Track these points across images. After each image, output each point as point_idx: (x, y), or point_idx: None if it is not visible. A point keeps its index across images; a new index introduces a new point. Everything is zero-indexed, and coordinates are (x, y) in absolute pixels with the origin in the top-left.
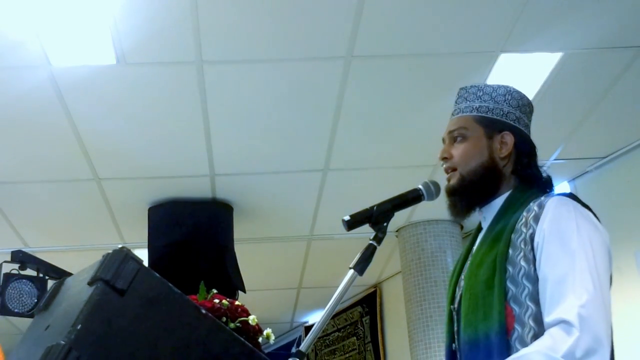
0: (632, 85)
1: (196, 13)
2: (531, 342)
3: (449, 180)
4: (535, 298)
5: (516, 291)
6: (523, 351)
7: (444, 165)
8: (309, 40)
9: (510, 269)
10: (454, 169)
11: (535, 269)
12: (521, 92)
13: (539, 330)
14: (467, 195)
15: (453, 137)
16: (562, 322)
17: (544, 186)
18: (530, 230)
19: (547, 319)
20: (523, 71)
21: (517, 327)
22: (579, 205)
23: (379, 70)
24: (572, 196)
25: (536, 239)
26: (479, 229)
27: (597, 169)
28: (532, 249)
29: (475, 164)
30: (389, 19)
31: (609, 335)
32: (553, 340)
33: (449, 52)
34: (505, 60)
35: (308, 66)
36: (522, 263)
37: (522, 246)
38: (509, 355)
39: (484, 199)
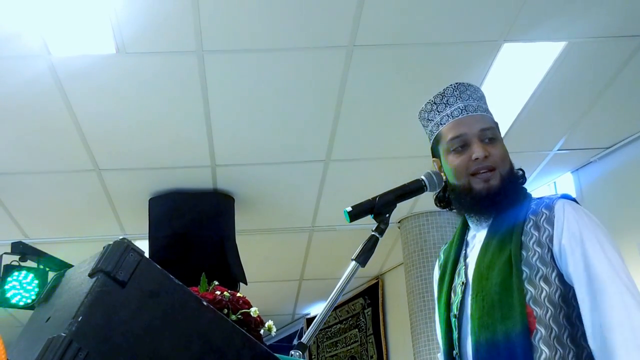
0: (636, 75)
1: (197, 2)
2: (554, 342)
3: (487, 180)
4: (553, 300)
5: (535, 293)
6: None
7: (481, 164)
8: (310, 29)
9: (526, 270)
10: (493, 169)
11: (554, 271)
12: None
13: (559, 331)
14: (506, 196)
15: (483, 136)
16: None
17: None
18: (546, 233)
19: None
20: (526, 61)
21: (540, 327)
22: (586, 210)
23: (381, 59)
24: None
25: (562, 242)
26: (464, 231)
27: (600, 160)
28: (551, 251)
29: (509, 167)
30: (391, 8)
31: None
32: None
33: (451, 41)
34: (509, 49)
35: (310, 56)
36: (539, 265)
37: (537, 248)
38: (532, 354)
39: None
